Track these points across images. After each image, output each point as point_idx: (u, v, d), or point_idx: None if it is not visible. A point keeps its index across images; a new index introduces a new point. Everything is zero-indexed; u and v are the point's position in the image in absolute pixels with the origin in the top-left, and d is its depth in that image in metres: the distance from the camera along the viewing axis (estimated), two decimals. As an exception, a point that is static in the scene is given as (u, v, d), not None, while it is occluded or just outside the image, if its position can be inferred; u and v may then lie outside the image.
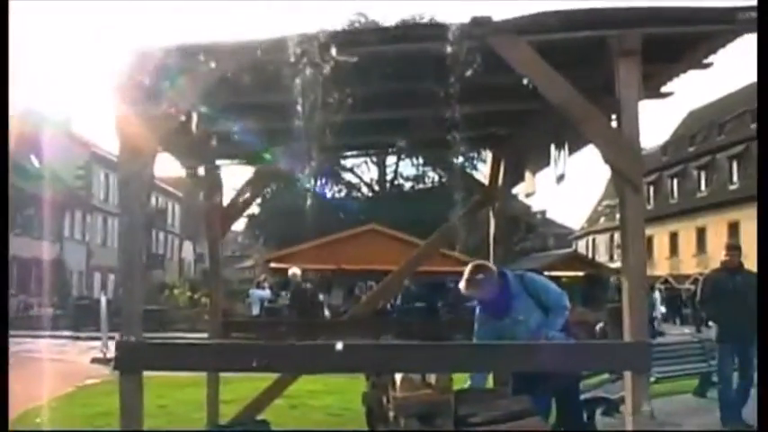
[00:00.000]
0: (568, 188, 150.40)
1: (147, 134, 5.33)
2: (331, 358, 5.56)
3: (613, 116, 5.33)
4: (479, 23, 5.10)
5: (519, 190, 9.54)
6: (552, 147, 7.14)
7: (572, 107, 5.22)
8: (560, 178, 7.04)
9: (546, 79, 5.19)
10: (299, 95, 6.42)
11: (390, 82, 5.88)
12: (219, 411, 9.10)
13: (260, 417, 9.11)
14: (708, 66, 6.00)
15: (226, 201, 9.34)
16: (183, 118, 5.68)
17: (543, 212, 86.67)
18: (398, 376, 6.32)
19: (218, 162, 8.85)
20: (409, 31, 5.28)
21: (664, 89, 6.43)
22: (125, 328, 5.40)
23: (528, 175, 8.41)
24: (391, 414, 6.38)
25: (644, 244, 5.33)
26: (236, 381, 11.46)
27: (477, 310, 7.36)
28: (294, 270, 22.49)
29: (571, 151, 6.99)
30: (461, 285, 7.11)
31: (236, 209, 9.40)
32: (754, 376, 10.83)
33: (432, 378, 6.11)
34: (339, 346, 5.29)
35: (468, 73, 5.34)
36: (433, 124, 7.63)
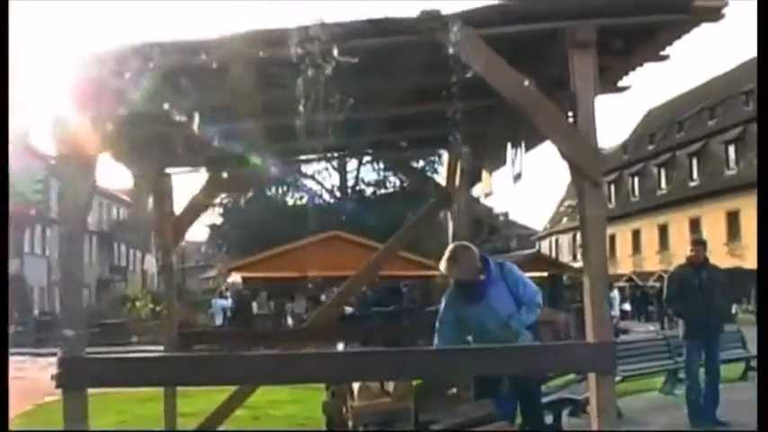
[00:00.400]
0: (531, 189, 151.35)
1: (85, 138, 5.11)
2: (288, 369, 5.38)
3: (570, 111, 5.19)
4: (429, 17, 4.92)
5: (478, 191, 9.40)
6: (508, 145, 6.99)
7: (527, 102, 5.05)
8: (517, 177, 6.89)
9: (499, 74, 5.01)
10: (248, 97, 6.25)
11: (339, 82, 5.69)
12: (178, 424, 8.87)
13: (220, 428, 8.91)
14: (665, 58, 5.87)
15: (179, 209, 9.08)
16: (124, 122, 5.46)
17: (506, 214, 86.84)
18: (356, 385, 6.17)
19: (167, 170, 8.62)
20: (356, 28, 5.06)
21: (621, 83, 6.32)
22: (67, 344, 5.19)
23: (485, 175, 8.25)
24: (350, 423, 6.23)
25: (605, 241, 5.16)
26: (197, 393, 11.27)
27: (448, 293, 7.21)
28: (233, 278, 22.41)
29: (528, 149, 6.84)
30: (442, 265, 6.97)
31: (189, 218, 9.14)
32: (719, 372, 10.82)
33: (390, 386, 5.97)
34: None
35: (419, 69, 5.18)
36: (385, 125, 7.48)
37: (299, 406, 12.79)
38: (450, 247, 7.11)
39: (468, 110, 6.95)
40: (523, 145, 6.77)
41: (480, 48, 4.96)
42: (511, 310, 6.89)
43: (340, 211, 52.54)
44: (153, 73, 5.15)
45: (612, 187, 68.82)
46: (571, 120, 5.14)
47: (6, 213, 5.49)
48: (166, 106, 5.90)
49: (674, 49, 5.69)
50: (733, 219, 51.90)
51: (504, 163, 7.26)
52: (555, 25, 5.01)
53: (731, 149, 53.89)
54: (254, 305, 33.30)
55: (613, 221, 64.03)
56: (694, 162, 58.25)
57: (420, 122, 7.36)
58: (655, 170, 63.96)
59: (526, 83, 4.99)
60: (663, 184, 62.55)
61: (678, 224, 56.06)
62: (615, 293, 37.07)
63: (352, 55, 5.11)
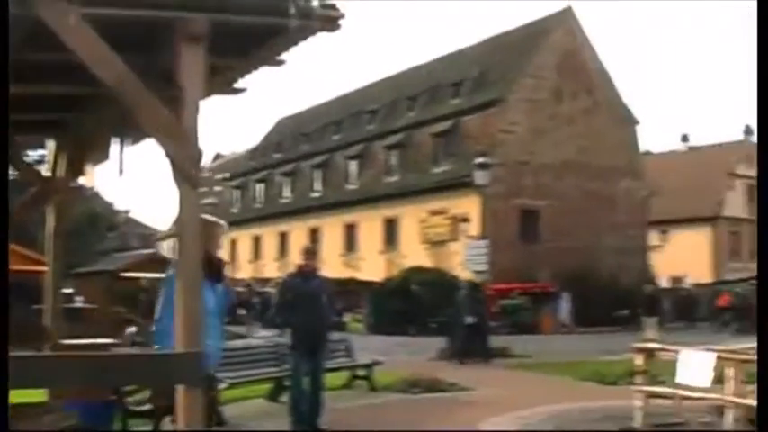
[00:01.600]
0: (158, 188, 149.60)
1: None
2: None
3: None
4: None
5: (84, 183, 8.92)
6: (112, 136, 6.60)
7: (128, 93, 4.70)
8: (121, 171, 6.56)
9: (99, 59, 4.60)
10: None
11: None
12: None
13: None
14: (281, 63, 5.81)
15: None
16: None
17: (127, 212, 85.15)
18: None
19: None
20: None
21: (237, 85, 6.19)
22: None
23: (89, 167, 7.77)
24: None
25: (198, 246, 4.87)
26: None
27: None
28: None
29: (134, 142, 6.50)
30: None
31: None
32: (324, 380, 11.00)
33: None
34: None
35: (17, 45, 4.70)
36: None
37: None
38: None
39: (70, 96, 6.51)
40: (128, 137, 6.43)
41: (82, 28, 4.55)
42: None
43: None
44: None
45: (238, 192, 69.52)
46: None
47: (6, 213, 4.57)
48: None
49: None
50: (350, 231, 53.98)
51: (107, 156, 6.88)
52: (163, 14, 4.70)
53: (353, 164, 56.06)
54: None
55: (236, 226, 64.73)
56: (318, 174, 59.97)
57: (20, 105, 6.78)
58: (279, 179, 65.17)
59: (128, 72, 4.64)
60: (287, 193, 63.83)
61: (299, 233, 57.30)
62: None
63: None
